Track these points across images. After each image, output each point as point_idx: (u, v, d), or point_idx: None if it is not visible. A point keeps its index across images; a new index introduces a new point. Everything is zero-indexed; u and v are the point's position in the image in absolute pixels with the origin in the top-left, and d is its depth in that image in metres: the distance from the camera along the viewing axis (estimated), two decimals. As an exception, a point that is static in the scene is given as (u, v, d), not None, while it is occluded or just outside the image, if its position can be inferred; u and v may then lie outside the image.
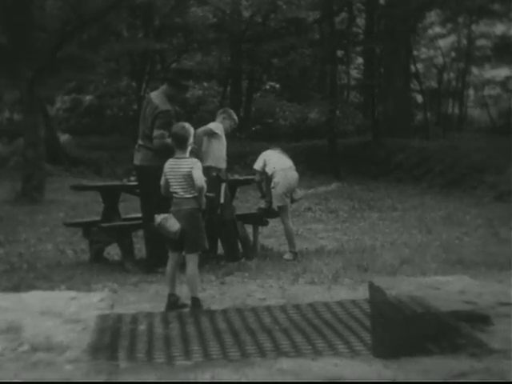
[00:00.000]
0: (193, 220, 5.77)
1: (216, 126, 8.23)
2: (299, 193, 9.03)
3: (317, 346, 4.53)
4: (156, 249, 7.36)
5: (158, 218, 5.73)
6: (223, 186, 8.05)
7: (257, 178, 8.93)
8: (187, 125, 6.01)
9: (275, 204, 8.65)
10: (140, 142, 7.66)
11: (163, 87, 7.78)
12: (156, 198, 6.28)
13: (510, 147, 14.94)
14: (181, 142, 5.87)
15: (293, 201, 8.95)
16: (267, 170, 8.70)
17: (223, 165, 8.25)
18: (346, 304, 5.65)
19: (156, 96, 7.72)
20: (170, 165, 5.87)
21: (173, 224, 5.67)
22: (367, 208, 14.53)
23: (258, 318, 5.29)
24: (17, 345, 4.33)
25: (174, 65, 27.69)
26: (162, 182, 5.90)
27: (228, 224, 8.18)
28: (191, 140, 5.93)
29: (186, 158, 5.85)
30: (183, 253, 5.86)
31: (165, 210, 5.85)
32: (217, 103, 28.84)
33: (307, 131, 26.13)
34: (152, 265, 7.48)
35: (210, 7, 25.27)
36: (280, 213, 8.74)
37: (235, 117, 8.56)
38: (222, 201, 7.95)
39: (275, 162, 8.69)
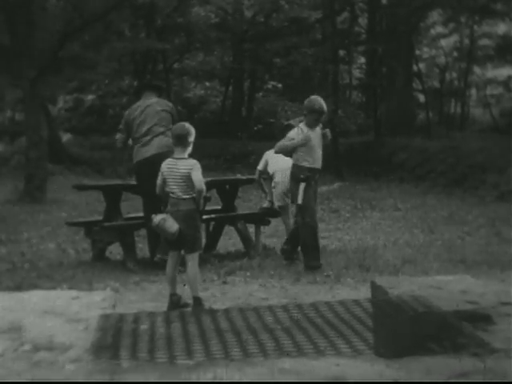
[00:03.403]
0: (191, 221, 5.76)
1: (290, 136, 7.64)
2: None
3: (319, 345, 4.53)
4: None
5: (156, 218, 5.72)
6: (302, 185, 7.43)
7: (256, 176, 8.98)
8: (187, 124, 6.01)
9: (276, 204, 8.68)
10: (148, 136, 7.70)
11: (146, 94, 8.05)
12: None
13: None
14: (181, 141, 5.86)
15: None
16: (268, 169, 8.73)
17: (308, 164, 7.52)
18: (348, 303, 5.65)
19: (150, 99, 7.94)
20: (168, 164, 5.85)
21: (171, 225, 5.66)
22: (369, 207, 14.51)
23: (260, 318, 5.29)
24: (19, 344, 4.33)
25: (175, 65, 27.72)
26: (159, 181, 5.89)
27: (306, 227, 7.56)
28: (191, 139, 5.91)
29: (185, 158, 5.84)
30: (182, 252, 5.86)
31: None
32: (219, 103, 28.87)
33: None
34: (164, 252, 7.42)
35: (212, 7, 25.29)
36: (281, 213, 8.76)
37: (317, 106, 7.51)
38: (299, 201, 7.44)
39: (276, 162, 8.71)
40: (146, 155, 7.67)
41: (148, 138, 7.71)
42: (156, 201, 6.69)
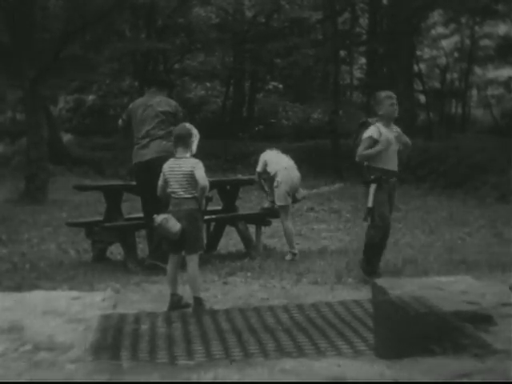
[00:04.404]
0: (193, 221, 5.77)
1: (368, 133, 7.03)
2: (302, 192, 8.97)
3: (319, 346, 4.53)
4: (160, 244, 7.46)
5: (158, 218, 5.72)
6: (372, 187, 6.85)
7: (256, 178, 8.94)
8: (188, 125, 6.05)
9: (277, 203, 8.61)
10: (147, 139, 7.69)
11: (152, 90, 8.02)
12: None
13: (512, 147, 14.92)
14: (181, 141, 5.88)
15: (295, 200, 8.92)
16: (269, 169, 8.66)
17: (381, 165, 6.94)
18: (349, 304, 5.65)
19: (154, 96, 7.88)
20: (169, 165, 5.86)
21: (173, 225, 5.66)
22: (370, 208, 14.48)
23: (261, 318, 5.29)
24: (19, 344, 4.33)
25: (176, 65, 27.74)
26: (161, 182, 5.89)
27: (375, 229, 6.96)
28: (192, 139, 5.91)
29: (186, 157, 5.85)
30: (183, 253, 5.86)
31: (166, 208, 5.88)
32: (219, 103, 28.87)
33: (310, 131, 26.14)
34: (157, 258, 7.49)
35: (213, 7, 25.31)
36: (280, 212, 8.69)
37: (383, 93, 7.14)
38: (369, 204, 6.85)
39: (277, 162, 8.66)
40: (144, 158, 7.68)
41: (146, 140, 7.70)
42: (154, 202, 6.72)
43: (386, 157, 6.97)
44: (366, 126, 7.11)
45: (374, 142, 6.94)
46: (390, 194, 7.05)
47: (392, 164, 7.05)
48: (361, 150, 6.96)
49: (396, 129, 7.24)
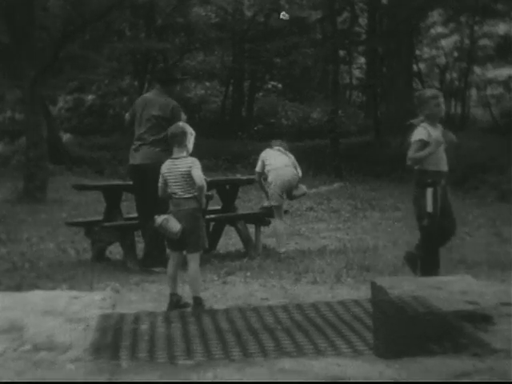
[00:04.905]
0: (193, 220, 5.77)
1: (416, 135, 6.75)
2: (301, 189, 8.98)
3: (319, 345, 4.52)
4: (155, 248, 7.46)
5: (159, 218, 5.72)
6: (430, 191, 6.53)
7: (256, 178, 8.99)
8: (182, 123, 6.09)
9: (271, 203, 8.68)
10: (138, 142, 7.69)
11: (157, 87, 7.99)
12: (157, 197, 6.30)
13: (512, 147, 14.93)
14: (175, 140, 5.88)
15: (292, 197, 8.95)
16: (266, 170, 8.75)
17: (434, 167, 6.64)
18: (348, 304, 5.65)
19: (155, 96, 7.83)
20: (167, 165, 5.87)
21: (174, 225, 5.67)
22: (369, 207, 14.51)
23: (260, 318, 5.28)
24: (19, 344, 4.33)
25: (175, 64, 27.73)
26: (160, 183, 5.90)
27: (431, 236, 6.68)
28: (186, 138, 5.91)
29: (183, 157, 5.85)
30: (184, 252, 5.86)
31: (164, 208, 5.88)
32: (219, 103, 28.87)
33: (309, 131, 26.16)
34: (149, 264, 7.54)
35: (213, 7, 25.33)
36: (274, 212, 8.76)
37: (428, 92, 6.85)
38: (428, 209, 6.54)
39: (271, 162, 8.72)
40: (135, 162, 7.72)
41: (139, 143, 7.72)
42: (147, 202, 6.73)
43: (438, 158, 6.67)
44: (412, 128, 6.83)
45: (424, 144, 6.63)
46: (444, 195, 6.71)
47: (443, 164, 6.76)
48: (412, 153, 6.66)
49: (440, 128, 6.91)
